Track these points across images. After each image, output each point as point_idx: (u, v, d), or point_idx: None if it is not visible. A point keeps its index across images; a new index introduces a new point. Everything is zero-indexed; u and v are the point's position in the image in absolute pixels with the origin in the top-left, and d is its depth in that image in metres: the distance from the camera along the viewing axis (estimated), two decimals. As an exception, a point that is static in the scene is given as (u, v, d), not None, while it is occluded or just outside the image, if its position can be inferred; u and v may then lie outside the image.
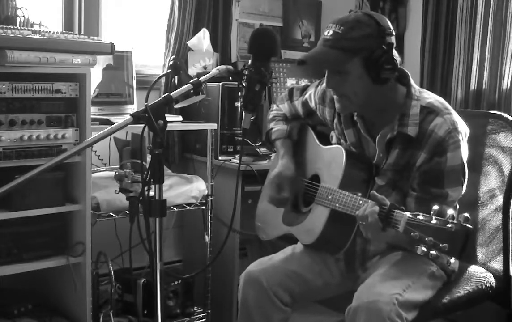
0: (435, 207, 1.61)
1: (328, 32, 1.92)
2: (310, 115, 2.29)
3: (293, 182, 2.18)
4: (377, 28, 1.88)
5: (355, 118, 2.07)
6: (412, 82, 2.00)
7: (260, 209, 2.40)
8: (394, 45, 1.92)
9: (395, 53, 1.91)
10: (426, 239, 1.57)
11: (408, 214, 1.67)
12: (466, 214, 1.57)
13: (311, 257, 2.17)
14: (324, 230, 2.02)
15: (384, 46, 1.88)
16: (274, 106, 2.42)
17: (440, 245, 1.54)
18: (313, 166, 2.20)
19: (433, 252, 1.56)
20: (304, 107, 2.30)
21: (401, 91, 1.99)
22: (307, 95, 2.29)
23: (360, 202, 1.87)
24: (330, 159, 2.11)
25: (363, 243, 2.10)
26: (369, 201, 1.82)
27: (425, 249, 1.57)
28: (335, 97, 2.01)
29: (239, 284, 2.18)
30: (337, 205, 1.96)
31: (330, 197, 2.00)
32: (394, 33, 1.93)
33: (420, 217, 1.63)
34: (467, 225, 1.55)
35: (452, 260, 1.56)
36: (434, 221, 1.58)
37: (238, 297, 2.18)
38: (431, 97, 2.00)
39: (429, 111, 1.94)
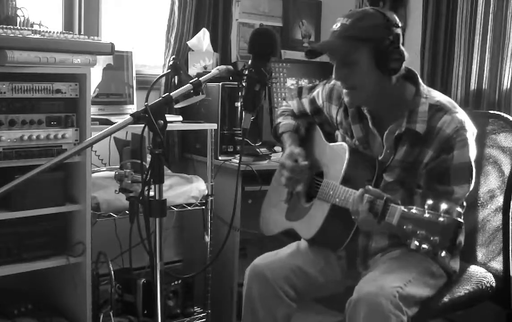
0: (429, 201, 1.61)
1: (336, 25, 1.94)
2: (317, 113, 2.30)
3: (305, 156, 2.18)
4: (384, 19, 1.91)
5: (365, 112, 2.07)
6: (420, 81, 2.02)
7: (265, 205, 2.41)
8: (401, 39, 1.94)
9: (402, 47, 1.93)
10: (418, 232, 1.58)
11: (402, 207, 1.67)
12: (459, 209, 1.59)
13: (314, 253, 2.18)
14: (323, 225, 2.03)
15: (391, 37, 1.90)
16: (283, 103, 2.45)
17: (431, 238, 1.55)
18: (319, 163, 2.22)
19: (424, 246, 1.56)
20: (311, 105, 2.31)
21: (410, 89, 2.00)
22: (314, 93, 2.30)
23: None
24: (334, 155, 2.13)
25: (365, 241, 2.11)
26: (355, 192, 1.83)
27: (417, 243, 1.58)
28: (344, 90, 2.01)
29: (243, 281, 2.18)
30: (337, 200, 1.97)
31: (331, 192, 2.01)
32: (400, 26, 1.95)
33: (414, 210, 1.63)
34: (458, 219, 1.55)
35: (443, 253, 1.55)
36: (426, 215, 1.59)
37: (243, 292, 2.18)
38: (440, 96, 2.01)
39: (437, 109, 1.95)
